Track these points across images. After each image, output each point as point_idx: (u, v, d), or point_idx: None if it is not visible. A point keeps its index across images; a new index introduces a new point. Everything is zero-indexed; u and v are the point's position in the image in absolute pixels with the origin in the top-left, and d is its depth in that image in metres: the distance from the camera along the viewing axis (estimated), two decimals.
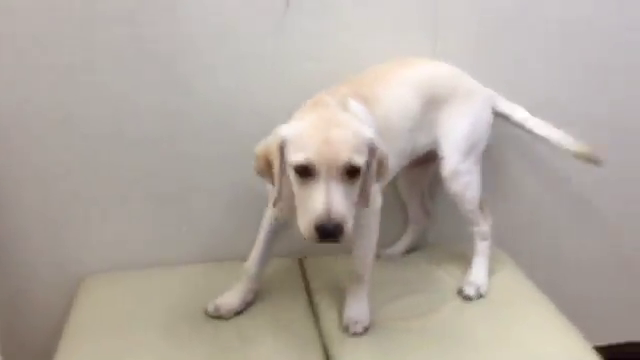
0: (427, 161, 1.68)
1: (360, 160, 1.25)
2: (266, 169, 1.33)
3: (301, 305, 1.64)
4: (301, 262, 1.85)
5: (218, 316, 1.56)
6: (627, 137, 1.92)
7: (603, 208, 2.01)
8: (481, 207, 1.69)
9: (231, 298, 1.58)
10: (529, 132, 1.71)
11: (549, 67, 1.81)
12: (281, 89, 1.67)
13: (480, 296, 1.64)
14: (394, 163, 1.51)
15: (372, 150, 1.29)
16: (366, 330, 1.51)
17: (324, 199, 1.21)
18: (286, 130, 1.28)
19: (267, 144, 1.31)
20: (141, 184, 1.73)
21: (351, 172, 1.24)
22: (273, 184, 1.32)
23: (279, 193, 1.31)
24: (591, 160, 1.69)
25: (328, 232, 1.21)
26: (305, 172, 1.24)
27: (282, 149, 1.27)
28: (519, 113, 1.71)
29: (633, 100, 1.89)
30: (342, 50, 1.68)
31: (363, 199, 1.32)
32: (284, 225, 1.55)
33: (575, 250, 2.05)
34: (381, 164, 1.33)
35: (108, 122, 1.65)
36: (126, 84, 1.63)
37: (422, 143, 1.59)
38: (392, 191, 1.81)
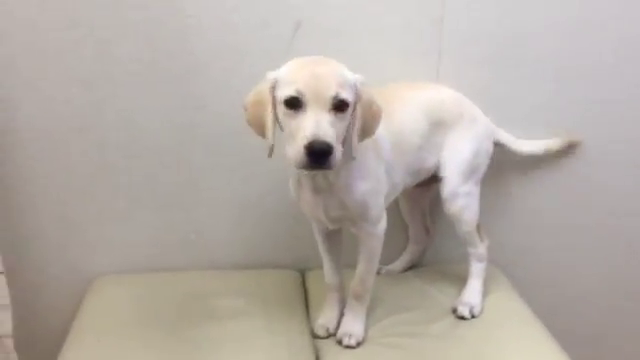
0: (429, 182, 1.72)
1: (347, 95, 1.30)
2: (257, 116, 1.37)
3: (298, 316, 1.69)
4: (303, 274, 1.91)
5: (328, 336, 1.61)
6: (619, 164, 1.95)
7: (603, 232, 2.02)
8: (478, 229, 1.74)
9: (331, 314, 1.64)
10: (520, 154, 1.80)
11: (550, 95, 1.83)
12: None
13: (473, 316, 1.68)
14: (402, 176, 1.58)
15: (358, 92, 1.34)
16: (359, 345, 1.56)
17: (313, 124, 1.26)
18: (275, 72, 1.34)
19: (257, 91, 1.36)
20: (152, 191, 1.80)
21: (339, 106, 1.30)
22: (264, 133, 1.36)
23: (273, 137, 1.36)
24: (573, 144, 1.83)
25: (318, 152, 1.25)
26: (295, 104, 1.30)
27: (273, 90, 1.33)
28: (509, 138, 1.79)
29: (630, 129, 1.91)
30: None
31: (348, 148, 1.36)
32: (334, 230, 1.60)
33: (573, 274, 2.07)
34: (369, 111, 1.37)
35: (122, 132, 1.73)
36: (141, 98, 1.70)
37: (428, 164, 1.64)
38: (395, 210, 1.86)
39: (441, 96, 1.67)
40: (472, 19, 1.74)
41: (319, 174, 1.42)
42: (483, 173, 1.72)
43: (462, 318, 1.67)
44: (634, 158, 1.94)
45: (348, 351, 1.55)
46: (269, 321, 1.63)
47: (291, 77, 1.31)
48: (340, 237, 1.64)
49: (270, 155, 1.37)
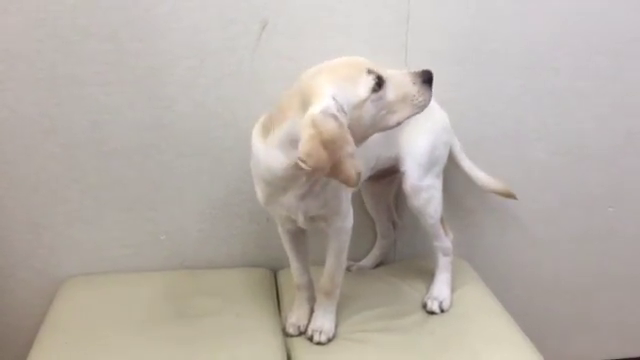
0: (391, 175, 1.74)
1: None
2: (334, 154, 1.22)
3: (270, 314, 1.69)
4: (275, 272, 1.91)
5: (299, 333, 1.61)
6: (590, 157, 1.99)
7: (573, 224, 2.07)
8: (442, 223, 1.75)
9: (301, 312, 1.64)
10: (457, 165, 1.82)
11: (516, 90, 1.87)
12: (256, 106, 1.71)
13: (442, 310, 1.70)
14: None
15: None
16: (329, 341, 1.57)
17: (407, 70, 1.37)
18: (326, 101, 1.23)
19: (319, 133, 1.20)
20: (120, 192, 1.79)
21: None
22: (343, 167, 1.23)
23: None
24: (509, 196, 1.85)
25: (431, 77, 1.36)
26: (379, 82, 1.30)
27: (342, 110, 1.24)
28: (457, 145, 1.80)
29: (599, 124, 1.95)
30: None
31: None
32: (300, 229, 1.59)
33: (542, 267, 2.11)
34: None
35: (89, 132, 1.71)
36: (108, 97, 1.69)
37: (384, 156, 1.64)
38: (361, 206, 1.87)
39: None
40: (438, 16, 1.76)
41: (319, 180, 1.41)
42: (443, 165, 1.72)
43: (432, 313, 1.69)
44: (604, 151, 1.98)
45: (319, 347, 1.56)
46: (241, 320, 1.63)
47: (346, 83, 1.29)
48: (305, 236, 1.64)
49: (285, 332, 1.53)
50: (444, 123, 1.72)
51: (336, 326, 1.61)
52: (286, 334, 1.62)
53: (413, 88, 1.35)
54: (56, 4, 1.59)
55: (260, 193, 1.49)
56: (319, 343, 1.57)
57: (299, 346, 1.58)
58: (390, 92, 1.33)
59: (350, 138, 1.23)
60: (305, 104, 1.26)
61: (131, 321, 1.62)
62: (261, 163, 1.40)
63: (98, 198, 1.79)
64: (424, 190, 1.66)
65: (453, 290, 1.76)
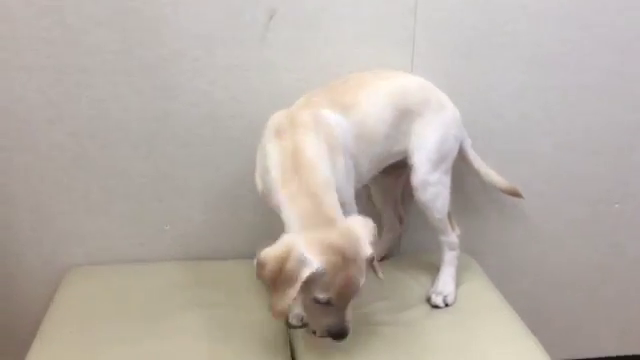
0: (400, 169, 1.73)
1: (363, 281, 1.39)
2: (277, 283, 1.33)
3: None
4: None
5: (302, 325, 1.61)
6: (596, 152, 1.99)
7: (578, 220, 2.06)
8: (449, 218, 1.75)
9: None
10: (466, 162, 1.82)
11: (523, 84, 1.86)
12: (263, 96, 1.74)
13: (447, 305, 1.69)
14: (369, 166, 1.59)
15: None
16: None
17: (340, 320, 1.39)
18: (312, 266, 1.30)
19: (283, 259, 1.31)
20: (125, 182, 1.79)
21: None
22: (279, 298, 1.33)
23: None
24: (514, 194, 1.86)
25: (342, 335, 1.41)
26: (321, 303, 1.36)
27: (308, 283, 1.32)
28: (468, 142, 1.80)
29: (606, 119, 1.95)
30: (322, 62, 1.74)
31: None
32: None
33: (546, 262, 2.10)
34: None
35: (96, 122, 1.71)
36: (113, 86, 1.69)
37: (396, 150, 1.64)
38: (368, 199, 1.87)
39: (407, 84, 1.68)
40: (445, 8, 1.75)
41: None
42: (453, 160, 1.72)
43: (436, 307, 1.69)
44: (610, 146, 1.97)
45: (322, 340, 1.55)
46: (244, 311, 1.63)
47: (324, 283, 1.33)
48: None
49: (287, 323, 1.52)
50: (455, 118, 1.72)
51: None
52: (289, 325, 1.62)
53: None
54: None
55: (259, 183, 1.53)
56: (322, 335, 1.55)
57: (302, 338, 1.57)
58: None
59: (294, 291, 1.30)
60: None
61: (135, 311, 1.62)
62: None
63: (103, 188, 1.79)
64: (432, 185, 1.66)
65: (457, 285, 1.75)
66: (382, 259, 1.94)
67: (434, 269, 1.79)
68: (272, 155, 1.45)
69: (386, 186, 1.85)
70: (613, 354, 2.25)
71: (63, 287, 1.74)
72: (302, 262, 1.30)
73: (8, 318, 1.86)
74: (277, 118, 1.51)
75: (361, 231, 1.39)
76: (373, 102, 1.59)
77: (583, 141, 1.95)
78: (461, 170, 1.76)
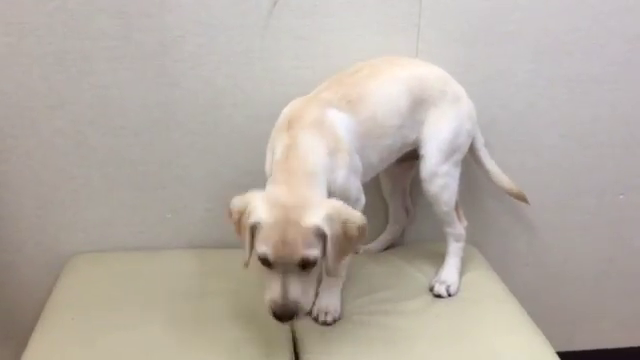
0: (410, 160, 1.72)
1: (314, 253, 1.32)
2: (237, 228, 1.40)
3: None
4: None
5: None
6: (602, 144, 1.97)
7: (582, 211, 2.05)
8: (456, 210, 1.74)
9: None
10: (476, 160, 1.81)
11: (529, 73, 1.84)
12: (266, 85, 1.72)
13: (450, 294, 1.68)
14: (379, 158, 1.58)
15: (324, 235, 1.33)
16: (335, 321, 1.56)
17: (280, 289, 1.33)
18: (255, 215, 1.33)
19: (242, 209, 1.37)
20: (127, 170, 1.78)
21: (306, 264, 1.32)
22: (242, 243, 1.38)
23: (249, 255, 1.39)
24: (520, 198, 1.86)
25: (282, 317, 1.34)
26: (265, 262, 1.33)
27: (253, 230, 1.34)
28: (480, 139, 1.79)
29: (612, 110, 1.93)
30: (326, 50, 1.72)
31: (331, 269, 1.39)
32: None
33: (550, 253, 2.09)
34: (343, 237, 1.36)
35: (97, 108, 1.71)
36: (116, 73, 1.67)
37: (410, 139, 1.63)
38: (374, 189, 1.86)
39: (426, 73, 1.66)
40: None
41: None
42: (463, 155, 1.70)
43: (439, 296, 1.68)
44: (616, 137, 1.96)
45: (324, 328, 1.55)
46: (245, 300, 1.62)
47: (265, 236, 1.32)
48: None
49: (247, 266, 1.40)
50: (470, 113, 1.70)
51: (342, 307, 1.60)
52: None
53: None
54: None
55: (268, 170, 1.51)
56: (325, 323, 1.56)
57: (305, 327, 1.57)
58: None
59: (246, 238, 1.36)
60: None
61: (137, 299, 1.62)
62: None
63: (105, 175, 1.78)
64: (440, 176, 1.64)
65: (461, 275, 1.74)
66: (386, 248, 1.94)
67: (437, 259, 1.78)
68: (276, 150, 1.46)
69: (396, 176, 1.84)
70: (617, 346, 2.24)
71: (65, 274, 1.74)
72: (252, 213, 1.34)
73: (10, 305, 1.86)
74: (293, 106, 1.51)
75: (325, 206, 1.34)
76: (386, 92, 1.57)
77: (589, 132, 1.94)
78: (465, 160, 1.74)
